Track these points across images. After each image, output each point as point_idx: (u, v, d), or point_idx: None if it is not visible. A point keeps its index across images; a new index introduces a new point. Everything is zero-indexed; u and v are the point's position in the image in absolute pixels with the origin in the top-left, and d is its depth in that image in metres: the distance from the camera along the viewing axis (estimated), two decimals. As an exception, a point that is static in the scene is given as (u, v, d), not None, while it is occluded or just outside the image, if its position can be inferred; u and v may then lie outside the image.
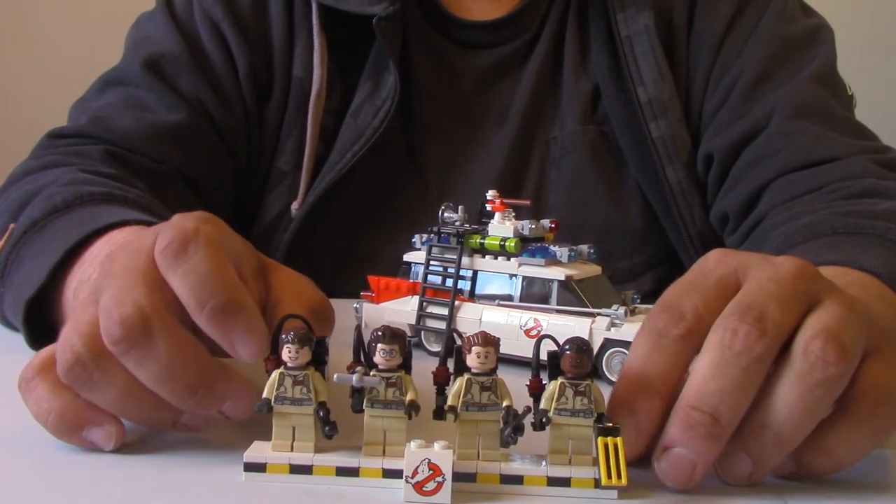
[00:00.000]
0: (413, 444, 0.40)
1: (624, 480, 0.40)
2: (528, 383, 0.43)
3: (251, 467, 0.42)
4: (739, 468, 0.43)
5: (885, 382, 0.43)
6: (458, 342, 0.43)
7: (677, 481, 0.42)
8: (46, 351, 0.47)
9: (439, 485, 0.40)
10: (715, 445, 0.41)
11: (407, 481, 0.40)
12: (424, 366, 0.44)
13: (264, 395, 0.42)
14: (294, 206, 0.93)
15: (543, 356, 0.43)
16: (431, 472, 0.40)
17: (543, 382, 0.43)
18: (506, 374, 0.43)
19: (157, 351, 0.42)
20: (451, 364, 0.43)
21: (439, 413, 0.43)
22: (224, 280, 0.44)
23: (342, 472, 0.42)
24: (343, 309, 0.73)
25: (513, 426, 0.41)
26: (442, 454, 0.40)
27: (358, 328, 0.44)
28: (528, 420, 0.42)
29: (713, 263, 0.46)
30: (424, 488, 0.40)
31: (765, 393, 0.42)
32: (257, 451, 0.43)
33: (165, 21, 0.94)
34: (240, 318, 0.44)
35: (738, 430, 0.42)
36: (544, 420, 0.42)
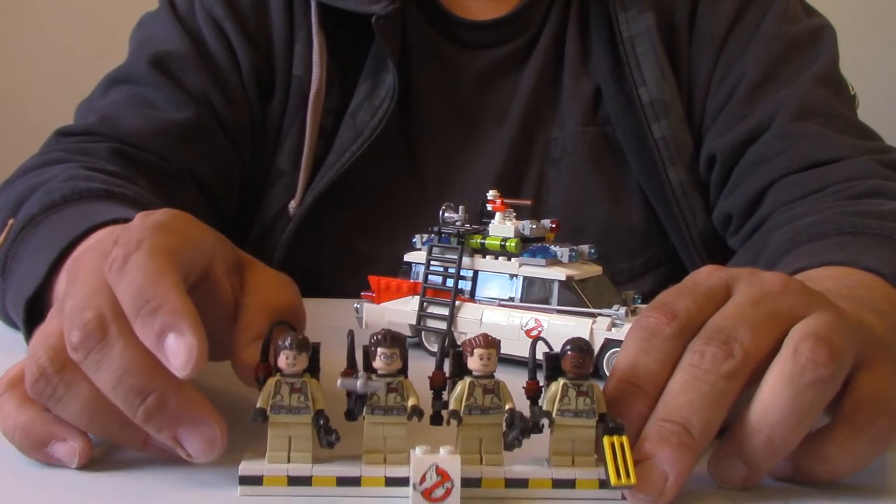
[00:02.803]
0: (419, 450, 0.40)
1: (633, 479, 0.39)
2: (525, 385, 0.43)
3: (247, 480, 0.41)
4: (733, 473, 0.42)
5: (883, 391, 0.43)
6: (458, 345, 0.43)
7: (648, 494, 0.40)
8: (16, 366, 0.46)
9: (448, 491, 0.39)
10: (687, 456, 0.41)
11: (415, 489, 0.39)
12: (425, 366, 0.43)
13: (258, 404, 0.41)
14: (292, 205, 0.93)
15: (539, 356, 0.43)
16: (440, 477, 0.39)
17: (541, 385, 0.43)
18: (505, 375, 0.43)
19: (112, 355, 0.41)
20: (447, 367, 0.43)
21: (437, 418, 0.42)
22: (157, 285, 0.42)
23: (343, 482, 0.41)
24: (343, 309, 0.73)
25: (520, 428, 0.41)
26: (450, 459, 0.39)
27: (351, 333, 0.43)
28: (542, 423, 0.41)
29: (705, 275, 0.47)
30: (433, 495, 0.39)
31: (756, 397, 0.42)
32: (252, 463, 0.41)
33: (170, 20, 0.94)
34: (169, 324, 0.41)
35: (731, 434, 0.42)
36: (545, 422, 0.41)
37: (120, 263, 0.43)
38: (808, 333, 0.42)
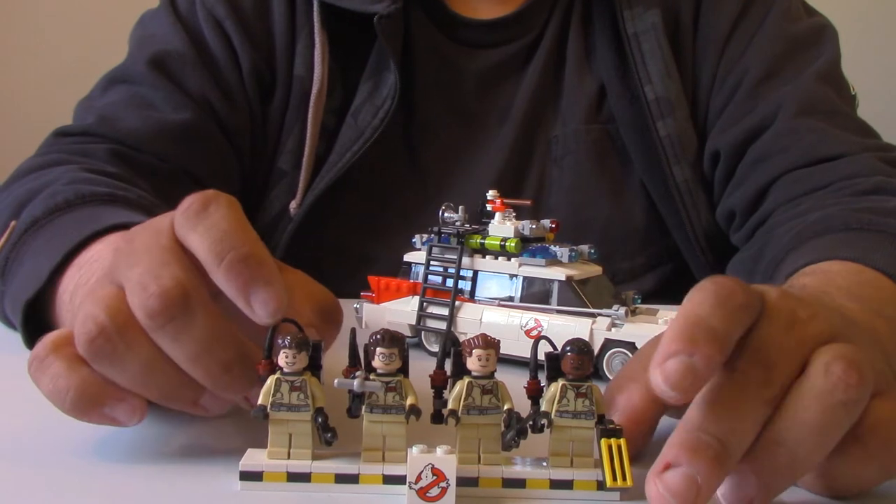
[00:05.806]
0: (415, 450, 0.40)
1: (629, 482, 0.39)
2: (526, 385, 0.43)
3: (247, 476, 0.42)
4: (743, 490, 0.40)
5: None
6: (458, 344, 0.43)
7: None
8: (57, 332, 0.46)
9: (443, 490, 0.39)
10: (721, 471, 0.38)
11: (410, 487, 0.39)
12: (425, 366, 0.43)
13: (259, 401, 0.42)
14: (292, 205, 0.93)
15: (540, 356, 0.43)
16: (435, 477, 0.39)
17: (542, 384, 0.42)
18: (505, 375, 0.43)
19: (195, 326, 0.41)
20: (448, 366, 0.43)
21: (437, 417, 0.42)
22: (245, 234, 0.43)
23: (341, 479, 0.41)
24: (343, 309, 0.73)
25: (516, 429, 0.41)
26: (446, 459, 0.39)
27: (353, 331, 0.44)
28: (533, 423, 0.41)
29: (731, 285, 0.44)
30: (428, 494, 0.39)
31: (781, 412, 0.40)
32: (253, 459, 0.42)
33: (170, 19, 0.93)
34: (260, 272, 0.42)
35: (748, 449, 0.40)
36: (545, 423, 0.41)
37: (199, 208, 0.44)
38: (839, 354, 0.41)
